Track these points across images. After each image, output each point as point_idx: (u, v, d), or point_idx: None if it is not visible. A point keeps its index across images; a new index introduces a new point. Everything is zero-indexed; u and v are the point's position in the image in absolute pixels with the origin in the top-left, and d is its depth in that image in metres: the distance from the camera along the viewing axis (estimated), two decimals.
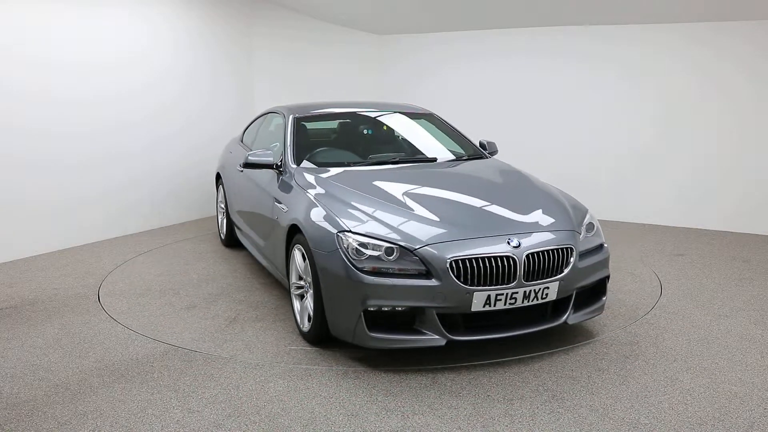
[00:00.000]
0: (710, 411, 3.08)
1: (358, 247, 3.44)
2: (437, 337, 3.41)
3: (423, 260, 3.39)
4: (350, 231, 3.53)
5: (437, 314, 3.39)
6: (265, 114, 5.89)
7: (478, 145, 5.24)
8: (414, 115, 5.52)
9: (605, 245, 3.98)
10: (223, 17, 7.85)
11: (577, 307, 3.80)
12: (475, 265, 3.39)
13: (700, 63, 7.18)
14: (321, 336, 3.73)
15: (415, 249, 3.42)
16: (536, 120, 8.21)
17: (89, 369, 3.58)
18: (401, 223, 3.61)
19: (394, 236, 3.49)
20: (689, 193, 7.42)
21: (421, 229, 3.55)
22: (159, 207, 7.28)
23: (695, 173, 7.37)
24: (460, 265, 3.38)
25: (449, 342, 3.43)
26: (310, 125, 5.25)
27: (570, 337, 4.01)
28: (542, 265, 3.52)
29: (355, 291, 3.38)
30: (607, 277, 3.96)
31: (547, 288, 3.53)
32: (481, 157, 5.04)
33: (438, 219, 3.67)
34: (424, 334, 3.43)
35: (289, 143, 4.79)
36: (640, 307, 4.63)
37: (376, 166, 4.60)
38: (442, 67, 8.82)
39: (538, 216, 3.84)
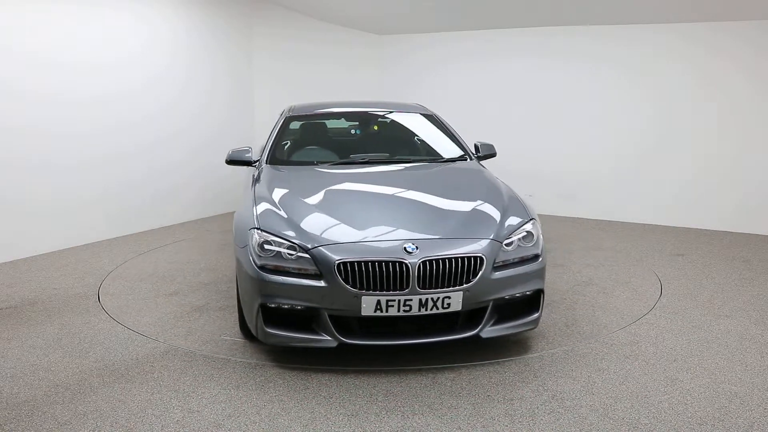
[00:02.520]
0: (710, 411, 3.08)
1: (262, 244, 3.52)
2: (329, 338, 3.42)
3: (315, 261, 3.40)
4: (259, 228, 3.61)
5: (331, 316, 3.39)
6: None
7: (473, 146, 5.17)
8: (411, 116, 5.49)
9: (541, 257, 3.69)
10: (223, 18, 7.85)
11: (502, 320, 3.60)
12: (364, 269, 3.33)
13: (700, 63, 7.18)
14: (246, 328, 3.82)
15: (309, 249, 3.44)
16: (536, 120, 8.21)
17: (89, 369, 3.58)
18: (311, 224, 3.63)
19: (294, 236, 3.52)
20: (689, 193, 7.42)
21: (324, 230, 3.56)
22: (159, 207, 7.28)
23: (695, 173, 7.37)
24: (349, 268, 3.34)
25: (341, 344, 3.42)
26: (304, 124, 5.35)
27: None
28: (442, 273, 3.37)
29: (254, 287, 3.48)
30: (541, 291, 3.70)
31: (449, 298, 3.37)
32: (464, 159, 4.88)
33: (348, 221, 3.66)
34: (318, 334, 3.45)
35: (271, 141, 4.96)
36: (640, 307, 4.63)
37: (341, 167, 4.64)
38: (442, 67, 8.82)
39: (458, 223, 3.69)
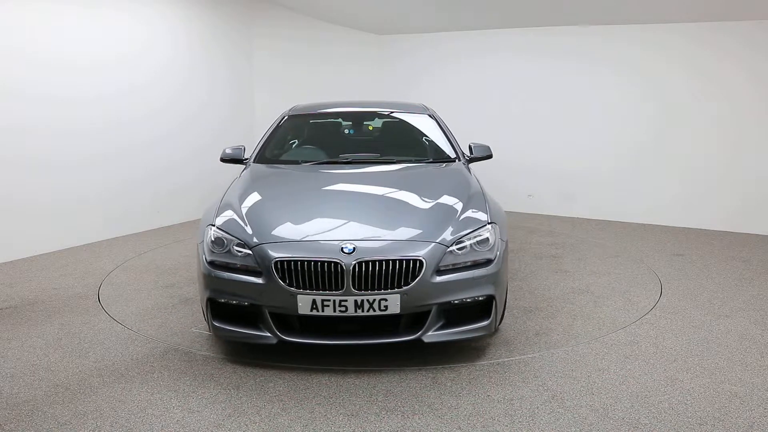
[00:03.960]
0: (710, 411, 3.08)
1: (213, 240, 3.63)
2: (269, 335, 3.48)
3: (256, 258, 3.46)
4: (213, 225, 3.73)
5: (272, 313, 3.45)
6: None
7: (468, 147, 5.13)
8: (409, 116, 5.47)
9: (494, 262, 3.58)
10: (222, 18, 7.85)
11: (449, 325, 3.52)
12: (300, 268, 3.36)
13: (700, 63, 7.19)
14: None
15: (252, 247, 3.50)
16: (536, 120, 8.21)
17: (89, 369, 3.58)
18: (263, 223, 3.67)
19: (243, 233, 3.59)
20: (689, 193, 7.43)
21: (272, 229, 3.61)
22: (159, 207, 7.28)
23: (695, 173, 7.37)
24: (286, 267, 3.38)
25: (281, 342, 3.46)
26: (299, 124, 5.41)
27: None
28: (378, 275, 3.34)
29: (203, 282, 3.61)
30: (492, 297, 3.57)
31: (385, 300, 3.34)
32: (453, 161, 4.82)
33: (299, 220, 3.71)
34: (260, 330, 3.51)
35: (263, 140, 5.10)
36: (640, 307, 4.63)
37: (324, 167, 4.69)
38: (442, 67, 8.82)
39: (409, 225, 3.63)
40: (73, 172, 6.29)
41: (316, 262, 3.35)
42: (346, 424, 2.97)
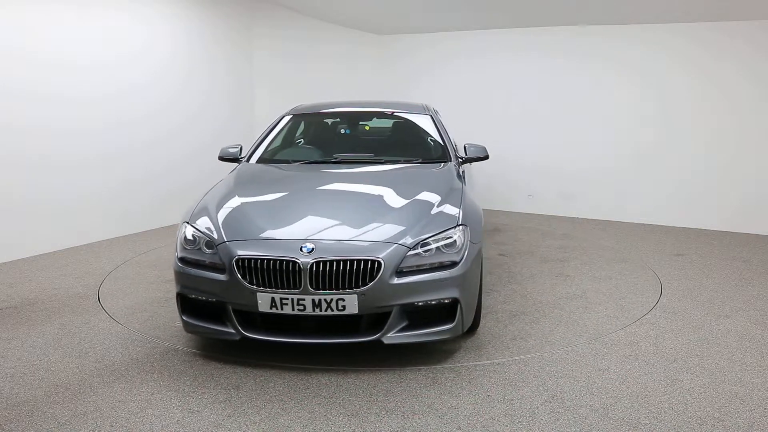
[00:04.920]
0: (710, 411, 3.08)
1: (185, 237, 3.74)
2: (233, 331, 3.53)
3: (221, 256, 3.52)
4: (188, 222, 3.83)
5: (235, 310, 3.50)
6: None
7: (463, 148, 5.10)
8: (408, 116, 5.46)
9: (460, 264, 3.52)
10: (222, 18, 7.85)
11: (412, 327, 3.48)
12: (259, 266, 3.39)
13: (700, 63, 7.19)
14: None
15: (218, 244, 3.57)
16: (536, 120, 8.21)
17: (89, 369, 3.58)
18: (233, 221, 3.73)
19: (212, 231, 3.66)
20: (689, 193, 7.43)
21: (239, 227, 3.65)
22: (159, 207, 7.28)
23: (695, 173, 7.37)
24: (246, 264, 3.42)
25: (243, 338, 3.51)
26: (296, 124, 5.47)
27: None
28: (335, 275, 3.34)
29: (174, 277, 3.75)
30: (456, 300, 3.50)
31: (343, 300, 3.34)
32: (444, 162, 4.78)
33: (266, 219, 3.72)
34: (225, 326, 3.56)
35: (259, 139, 5.18)
36: (640, 307, 4.63)
37: (313, 167, 4.74)
38: (442, 67, 8.82)
39: (372, 225, 3.62)
40: (73, 172, 6.29)
41: (274, 260, 3.38)
42: (346, 424, 2.97)
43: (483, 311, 4.44)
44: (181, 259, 3.70)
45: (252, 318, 3.53)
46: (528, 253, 6.17)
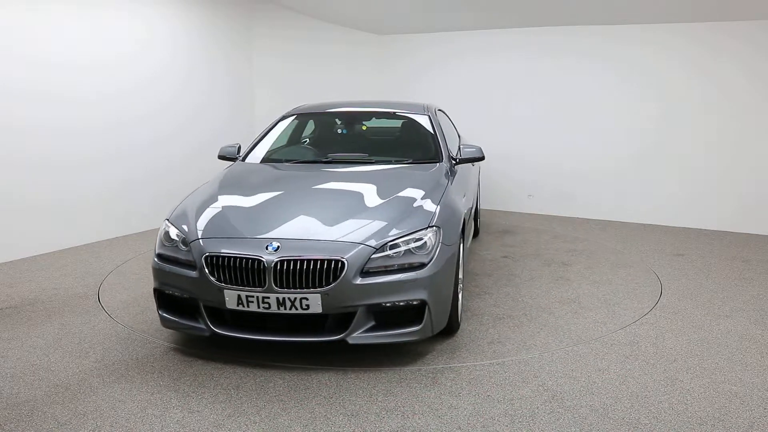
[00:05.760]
0: (710, 411, 3.08)
1: (164, 234, 3.83)
2: (203, 327, 3.60)
3: (193, 253, 3.59)
4: (168, 220, 3.92)
5: (206, 306, 3.56)
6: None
7: (458, 148, 5.04)
8: (408, 116, 5.47)
9: (427, 266, 3.49)
10: (222, 18, 7.85)
11: (378, 328, 3.48)
12: (226, 263, 3.45)
13: (700, 63, 7.19)
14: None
15: (191, 242, 3.64)
16: (536, 120, 8.21)
17: (89, 369, 3.58)
18: (208, 219, 3.79)
19: (187, 229, 3.74)
20: (689, 193, 7.43)
21: (212, 226, 3.72)
22: (159, 207, 7.26)
23: (695, 173, 7.37)
24: (215, 262, 3.48)
25: (213, 334, 3.57)
26: (292, 124, 5.51)
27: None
28: (299, 274, 3.36)
29: (153, 273, 3.82)
30: (424, 302, 3.48)
31: (306, 299, 3.36)
32: (436, 162, 4.75)
33: (240, 218, 3.77)
34: (197, 322, 3.64)
35: (256, 138, 5.27)
36: (640, 307, 4.63)
37: (303, 166, 4.81)
38: (442, 67, 8.82)
39: (343, 225, 3.62)
40: (73, 172, 6.29)
41: (240, 258, 3.42)
42: (346, 424, 2.97)
43: (469, 313, 4.42)
44: (159, 256, 3.79)
45: (222, 314, 3.59)
46: (533, 255, 6.12)
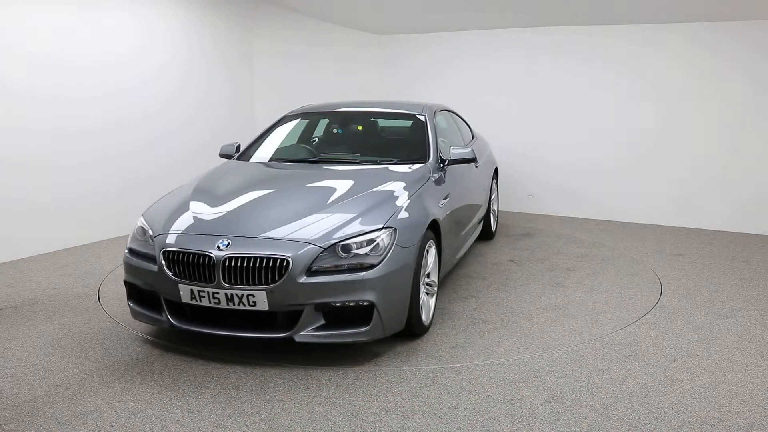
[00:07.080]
0: (710, 411, 3.08)
1: (139, 229, 3.94)
2: (165, 319, 3.71)
3: (155, 247, 3.70)
4: (143, 215, 4.06)
5: (167, 300, 3.66)
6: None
7: (449, 150, 5.04)
8: (404, 117, 5.55)
9: (376, 267, 3.47)
10: (222, 18, 7.85)
11: (328, 327, 3.48)
12: (180, 258, 3.56)
13: (700, 63, 7.18)
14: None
15: (154, 237, 3.76)
16: (536, 120, 8.21)
17: (89, 369, 3.58)
18: (174, 215, 3.90)
19: (154, 224, 3.86)
20: (689, 193, 7.42)
21: (176, 222, 3.82)
22: None
23: (695, 173, 7.37)
24: (170, 257, 3.60)
25: (172, 327, 3.67)
26: (291, 124, 5.60)
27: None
28: (246, 271, 3.41)
29: (123, 266, 3.94)
30: (371, 304, 3.46)
31: (253, 296, 3.40)
32: (421, 163, 4.71)
33: (204, 215, 3.87)
34: (160, 314, 3.74)
35: (254, 138, 5.41)
36: (640, 307, 4.63)
37: (288, 165, 4.92)
38: (442, 67, 8.82)
39: (298, 223, 3.64)
40: (74, 173, 6.29)
41: (191, 253, 3.52)
42: (346, 424, 2.97)
43: (445, 317, 4.36)
44: (129, 250, 3.91)
45: (182, 308, 3.66)
46: (540, 260, 5.93)
